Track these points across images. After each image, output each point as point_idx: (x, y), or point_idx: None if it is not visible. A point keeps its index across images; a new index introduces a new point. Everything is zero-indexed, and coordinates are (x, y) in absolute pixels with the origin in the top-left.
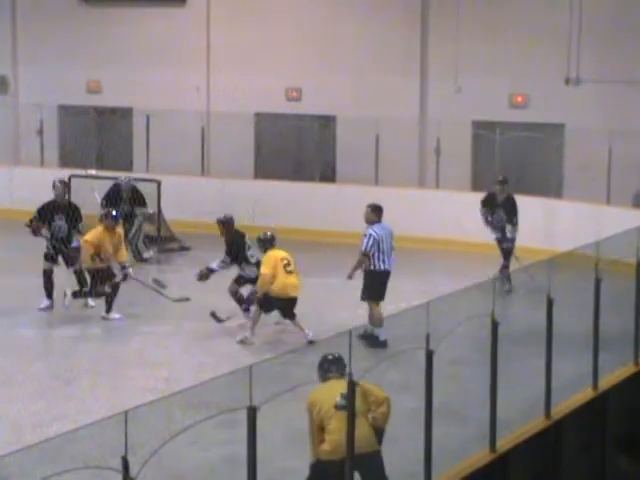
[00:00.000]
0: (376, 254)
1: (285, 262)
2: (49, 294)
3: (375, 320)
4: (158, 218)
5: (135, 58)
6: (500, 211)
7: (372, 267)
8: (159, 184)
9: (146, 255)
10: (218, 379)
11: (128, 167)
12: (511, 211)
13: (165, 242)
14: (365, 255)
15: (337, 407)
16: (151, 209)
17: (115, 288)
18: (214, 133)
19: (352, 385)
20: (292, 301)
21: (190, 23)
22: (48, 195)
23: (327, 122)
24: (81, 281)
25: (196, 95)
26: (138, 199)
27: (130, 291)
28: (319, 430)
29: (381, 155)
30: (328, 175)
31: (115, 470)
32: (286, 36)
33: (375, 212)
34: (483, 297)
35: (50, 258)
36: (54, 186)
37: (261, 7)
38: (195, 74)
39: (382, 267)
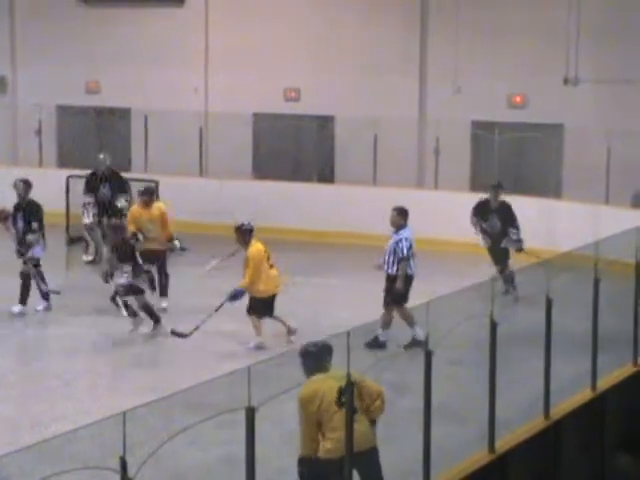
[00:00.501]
0: (411, 259)
1: (266, 255)
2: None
3: (408, 319)
4: None
5: (134, 59)
6: (494, 217)
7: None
8: (157, 184)
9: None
10: (216, 380)
11: (126, 167)
12: (507, 216)
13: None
14: (405, 260)
15: (338, 404)
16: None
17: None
18: (212, 133)
19: (351, 386)
20: (274, 298)
21: (188, 24)
22: (46, 195)
23: (325, 122)
24: (26, 285)
25: (194, 96)
26: (117, 183)
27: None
28: (316, 426)
29: (380, 155)
30: (326, 175)
31: (113, 470)
32: (285, 36)
33: (402, 216)
34: (481, 298)
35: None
36: (14, 185)
37: (260, 8)
38: (193, 75)
39: (411, 271)
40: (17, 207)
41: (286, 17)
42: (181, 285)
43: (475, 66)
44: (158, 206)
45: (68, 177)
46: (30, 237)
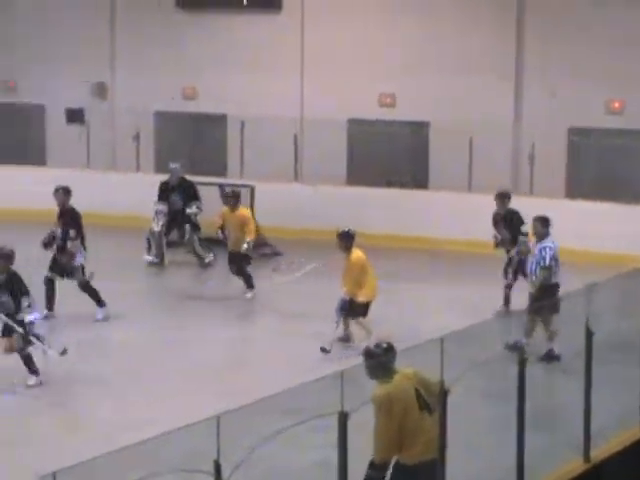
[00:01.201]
0: (553, 268)
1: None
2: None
3: (552, 333)
4: None
5: (230, 64)
6: (501, 227)
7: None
8: (252, 189)
9: (207, 259)
10: (309, 384)
11: (222, 173)
12: (515, 224)
13: (258, 247)
14: (547, 269)
15: (420, 406)
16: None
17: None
18: (307, 139)
19: (444, 394)
20: (370, 303)
21: (285, 30)
22: (142, 200)
23: (420, 128)
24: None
25: (289, 102)
26: (188, 191)
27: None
28: (397, 430)
29: (474, 161)
30: (420, 181)
31: (207, 473)
32: (379, 42)
33: (545, 225)
34: (579, 305)
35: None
36: (55, 192)
37: (355, 14)
38: (289, 80)
39: (555, 280)
40: (59, 215)
41: (381, 23)
42: (273, 289)
43: (572, 70)
44: (242, 211)
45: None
46: (70, 245)
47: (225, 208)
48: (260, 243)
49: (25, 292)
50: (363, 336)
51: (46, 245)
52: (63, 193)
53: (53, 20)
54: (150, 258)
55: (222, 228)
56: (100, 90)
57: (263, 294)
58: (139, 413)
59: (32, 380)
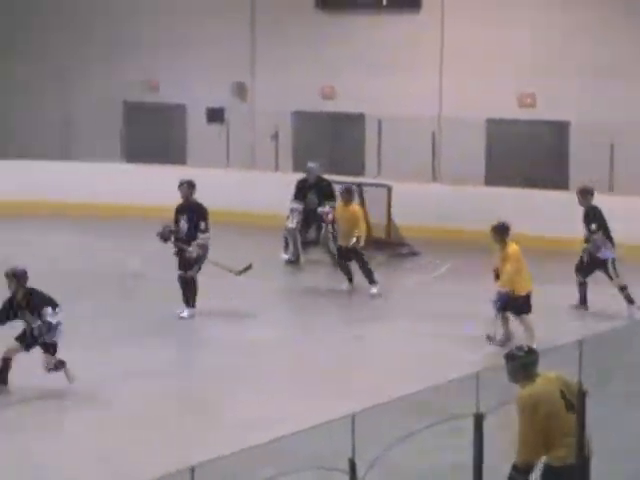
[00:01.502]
0: None
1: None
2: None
3: None
4: (388, 223)
5: (368, 64)
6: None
7: None
8: (390, 189)
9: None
10: (444, 385)
11: (360, 172)
12: (589, 221)
13: (395, 247)
14: None
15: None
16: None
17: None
18: (445, 139)
19: (582, 396)
20: (530, 296)
21: (424, 29)
22: (280, 198)
23: (560, 128)
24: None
25: (427, 101)
26: (324, 190)
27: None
28: (541, 432)
29: (616, 162)
30: (560, 182)
31: (342, 471)
32: (519, 41)
33: None
34: None
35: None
36: (179, 186)
37: (494, 13)
38: (427, 79)
39: None
40: (180, 209)
41: (520, 21)
42: (410, 289)
43: None
44: (353, 207)
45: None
46: (201, 238)
47: (340, 203)
48: (397, 243)
49: (48, 302)
50: (527, 337)
51: (166, 239)
52: (188, 187)
53: (195, 22)
54: (287, 256)
55: (334, 222)
56: (240, 90)
57: (399, 294)
58: (269, 412)
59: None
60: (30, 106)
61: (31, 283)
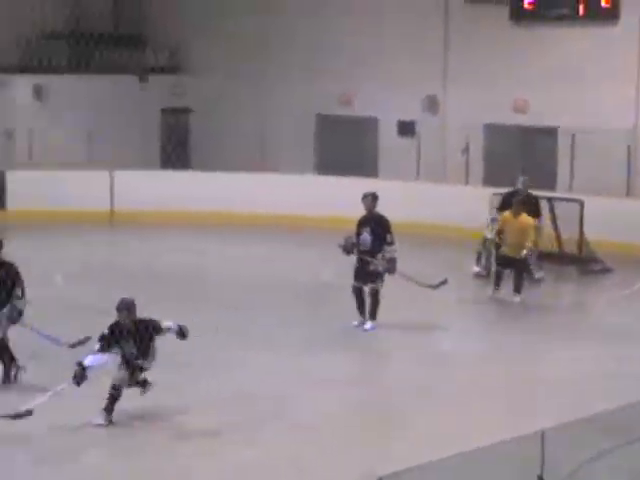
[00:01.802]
0: None
1: None
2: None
3: None
4: (580, 238)
5: (563, 77)
6: None
7: None
8: (582, 204)
9: (538, 275)
10: (633, 405)
11: (551, 186)
12: None
13: (587, 263)
14: None
15: None
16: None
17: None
18: None
19: None
20: None
21: (621, 40)
22: (469, 212)
23: None
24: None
25: (623, 113)
26: (530, 206)
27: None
28: None
29: None
30: None
31: None
32: None
33: None
34: None
35: (355, 276)
36: (364, 198)
37: None
38: (623, 91)
39: None
40: (363, 221)
41: None
42: (601, 306)
43: None
44: (524, 218)
45: (492, 195)
46: (388, 251)
47: (507, 213)
48: (590, 259)
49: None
50: None
51: (348, 252)
52: (372, 199)
53: (388, 36)
54: (478, 269)
55: (500, 233)
56: (431, 104)
57: (589, 311)
58: (451, 427)
59: (98, 420)
60: (226, 117)
61: (233, 291)
